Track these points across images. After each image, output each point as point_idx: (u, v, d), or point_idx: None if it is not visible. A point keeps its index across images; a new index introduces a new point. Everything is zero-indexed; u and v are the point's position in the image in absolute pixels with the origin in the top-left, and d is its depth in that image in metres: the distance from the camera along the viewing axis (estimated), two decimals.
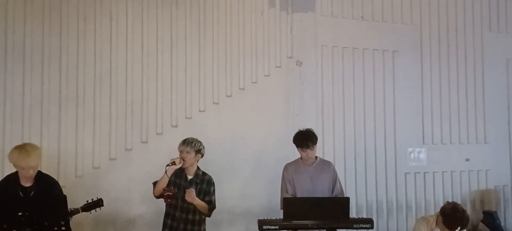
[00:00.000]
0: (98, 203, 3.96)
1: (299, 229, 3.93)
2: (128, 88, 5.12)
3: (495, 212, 6.23)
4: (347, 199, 4.10)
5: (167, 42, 5.28)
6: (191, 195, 3.93)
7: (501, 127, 6.53)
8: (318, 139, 4.49)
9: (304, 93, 5.74)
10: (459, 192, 6.25)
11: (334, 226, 3.97)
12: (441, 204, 4.37)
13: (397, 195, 6.07)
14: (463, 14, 6.46)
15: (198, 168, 4.17)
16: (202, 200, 4.04)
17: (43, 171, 3.92)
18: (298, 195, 4.35)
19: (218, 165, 4.66)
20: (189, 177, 4.12)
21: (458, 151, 6.34)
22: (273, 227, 3.87)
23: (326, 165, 4.51)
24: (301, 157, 4.45)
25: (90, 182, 4.90)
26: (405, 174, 6.13)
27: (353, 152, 5.90)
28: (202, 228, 4.17)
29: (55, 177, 4.11)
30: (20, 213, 3.36)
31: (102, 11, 5.07)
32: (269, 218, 4.01)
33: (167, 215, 4.14)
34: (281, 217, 3.93)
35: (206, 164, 4.25)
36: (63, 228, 3.45)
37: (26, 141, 4.68)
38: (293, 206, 3.99)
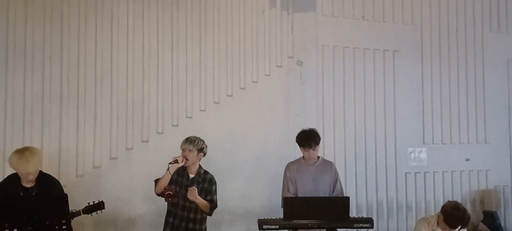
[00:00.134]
0: (99, 206, 3.96)
1: (300, 228, 3.94)
2: (129, 88, 5.13)
3: (495, 212, 6.24)
4: (347, 198, 4.10)
5: (168, 42, 5.28)
6: (193, 194, 3.94)
7: (501, 127, 6.54)
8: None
9: (304, 93, 5.75)
10: (459, 192, 6.26)
11: (334, 226, 3.98)
12: (442, 204, 4.37)
13: (397, 195, 6.07)
14: (464, 14, 6.47)
15: (200, 166, 4.18)
16: (204, 199, 4.05)
17: (44, 171, 3.92)
18: (300, 195, 4.36)
19: (218, 165, 4.66)
20: (191, 176, 4.12)
21: (458, 151, 6.35)
22: (273, 227, 3.87)
23: (328, 165, 4.52)
24: (303, 156, 4.46)
25: (91, 181, 4.91)
26: (406, 173, 6.13)
27: (353, 152, 5.91)
28: (204, 227, 4.18)
29: (56, 176, 4.13)
30: (21, 212, 3.37)
31: (103, 11, 5.08)
32: (269, 218, 4.01)
33: (169, 213, 4.15)
34: (282, 216, 3.94)
35: (207, 164, 4.26)
36: (64, 227, 3.46)
37: (27, 140, 4.73)
38: (293, 205, 4.00)
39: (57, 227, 3.43)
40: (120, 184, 5.00)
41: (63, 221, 3.45)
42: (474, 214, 6.17)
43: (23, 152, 3.68)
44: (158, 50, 5.25)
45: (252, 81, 5.57)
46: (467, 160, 6.37)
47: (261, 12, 5.66)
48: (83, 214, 3.86)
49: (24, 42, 4.82)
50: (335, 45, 5.91)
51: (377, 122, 6.02)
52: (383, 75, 6.08)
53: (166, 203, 4.10)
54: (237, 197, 5.33)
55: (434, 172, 6.24)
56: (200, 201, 4.00)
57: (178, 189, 4.03)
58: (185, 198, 3.98)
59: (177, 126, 5.25)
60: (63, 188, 3.98)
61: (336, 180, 4.48)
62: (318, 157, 4.48)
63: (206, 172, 4.18)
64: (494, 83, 6.51)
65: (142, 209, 5.04)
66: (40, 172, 3.80)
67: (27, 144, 4.65)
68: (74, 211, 3.76)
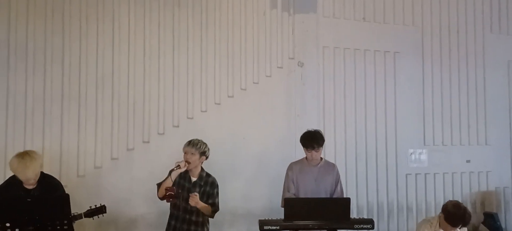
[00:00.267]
0: (101, 210, 3.96)
1: (300, 229, 3.93)
2: (130, 89, 5.14)
3: (496, 213, 6.24)
4: (348, 199, 4.10)
5: (169, 43, 5.29)
6: (195, 200, 3.92)
7: (502, 128, 6.54)
8: None
9: (305, 94, 5.75)
10: (460, 194, 6.26)
11: (335, 227, 3.97)
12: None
13: (398, 196, 6.07)
14: (465, 15, 6.47)
15: (202, 169, 4.16)
16: (206, 202, 4.04)
17: (46, 171, 3.93)
18: (301, 195, 4.36)
19: (219, 166, 4.66)
20: (193, 179, 4.11)
21: (459, 152, 6.35)
22: (274, 228, 3.88)
23: (330, 167, 4.52)
24: (306, 157, 4.46)
25: (92, 181, 4.92)
26: (406, 175, 6.14)
27: (354, 153, 5.91)
28: (206, 229, 4.17)
29: (57, 176, 4.13)
30: (23, 213, 3.38)
31: (104, 11, 5.09)
32: (270, 219, 4.01)
33: (171, 216, 4.14)
34: (282, 217, 3.94)
35: (208, 164, 4.25)
36: (65, 228, 3.46)
37: (28, 140, 4.74)
38: (294, 206, 4.00)
39: (58, 227, 3.43)
40: (121, 184, 5.01)
41: (65, 221, 3.45)
42: (475, 216, 6.15)
43: (23, 157, 3.67)
44: (159, 51, 5.25)
45: (253, 82, 5.57)
46: (468, 161, 6.37)
47: (262, 13, 5.67)
48: (85, 217, 3.86)
49: (25, 42, 4.83)
50: (336, 46, 5.92)
51: (377, 123, 6.03)
52: (383, 76, 6.09)
53: (168, 203, 4.09)
54: (238, 198, 5.33)
55: (434, 173, 6.24)
56: (202, 206, 3.99)
57: (180, 191, 4.02)
58: (187, 201, 3.96)
59: (178, 126, 5.26)
60: (64, 188, 3.98)
61: (337, 182, 4.48)
62: (321, 158, 4.48)
63: (208, 175, 4.17)
64: (494, 85, 6.52)
65: (143, 209, 5.04)
66: (42, 173, 3.80)
67: (28, 144, 4.70)
68: (76, 214, 3.76)
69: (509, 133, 6.58)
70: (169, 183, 3.93)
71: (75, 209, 3.76)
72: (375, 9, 6.11)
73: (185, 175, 4.09)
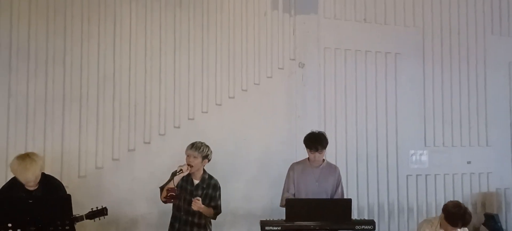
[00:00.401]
0: (102, 212, 3.96)
1: (302, 230, 3.94)
2: (131, 90, 5.15)
3: (497, 214, 6.24)
4: (349, 200, 4.10)
5: (170, 44, 5.30)
6: (197, 204, 3.91)
7: (503, 129, 6.55)
8: None
9: (306, 95, 5.76)
10: (461, 195, 6.26)
11: (336, 228, 3.98)
12: None
13: (398, 197, 6.08)
14: (466, 16, 6.48)
15: (204, 171, 4.15)
16: (208, 205, 4.04)
17: (47, 172, 3.94)
18: (303, 196, 4.36)
19: (220, 166, 4.67)
20: (196, 182, 4.10)
21: (460, 153, 6.36)
22: (276, 228, 3.88)
23: (332, 168, 4.52)
24: (308, 157, 4.46)
25: (93, 182, 4.93)
26: (407, 176, 6.14)
27: (355, 154, 5.92)
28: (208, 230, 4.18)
29: (58, 177, 4.14)
30: (25, 213, 3.39)
31: (106, 13, 5.10)
32: (271, 219, 4.02)
33: (173, 217, 4.14)
34: (283, 217, 3.95)
35: (209, 165, 4.25)
36: (67, 228, 3.47)
37: (30, 141, 4.75)
38: (295, 207, 4.01)
39: (60, 228, 3.44)
40: (122, 185, 5.01)
41: (67, 222, 3.45)
42: (475, 217, 6.15)
43: (24, 159, 3.67)
44: (160, 52, 5.26)
45: (254, 83, 5.58)
46: (469, 162, 6.37)
47: (263, 14, 5.67)
48: (86, 219, 3.87)
49: (27, 44, 4.84)
50: (337, 48, 5.93)
51: (378, 124, 6.03)
52: (384, 77, 6.09)
53: (170, 204, 4.10)
54: (239, 199, 5.34)
55: (435, 175, 6.24)
56: (204, 210, 3.98)
57: (181, 192, 4.02)
58: (190, 203, 3.96)
59: (179, 127, 5.26)
60: (66, 188, 3.98)
61: (338, 184, 4.48)
62: (323, 159, 4.48)
63: (210, 177, 4.16)
64: (495, 86, 6.52)
65: (144, 210, 5.05)
66: (43, 174, 3.81)
67: (30, 145, 4.71)
68: (77, 216, 3.77)
69: (509, 134, 6.58)
70: (171, 186, 3.90)
71: (76, 210, 3.77)
72: (376, 10, 6.11)
73: (187, 178, 4.08)
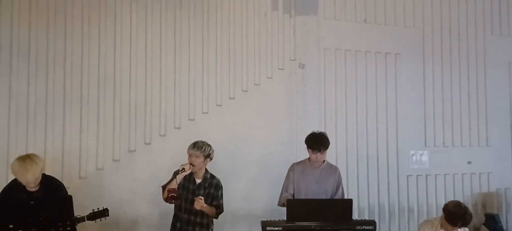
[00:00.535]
0: (104, 213, 3.95)
1: (302, 230, 3.94)
2: (132, 90, 5.15)
3: (497, 215, 6.24)
4: (350, 201, 4.11)
5: (171, 44, 5.30)
6: (200, 204, 3.92)
7: (503, 129, 6.55)
8: None
9: (306, 95, 5.76)
10: (461, 195, 6.26)
11: (337, 228, 3.97)
12: None
13: (399, 198, 6.08)
14: (466, 17, 6.48)
15: (206, 170, 4.16)
16: (210, 204, 4.05)
17: (48, 173, 3.94)
18: (303, 197, 4.36)
19: (221, 167, 4.66)
20: (198, 181, 4.11)
21: (460, 153, 6.36)
22: (277, 228, 3.88)
23: (332, 169, 4.52)
24: (309, 158, 4.46)
25: (94, 183, 4.93)
26: (407, 176, 6.14)
27: (355, 154, 5.92)
28: (210, 230, 4.18)
29: (59, 178, 4.13)
30: (26, 214, 3.39)
31: (106, 13, 5.10)
32: (272, 220, 4.02)
33: (175, 217, 4.14)
34: (284, 218, 3.95)
35: (209, 166, 4.25)
36: (68, 229, 3.47)
37: (30, 141, 4.75)
38: (296, 207, 4.01)
39: (61, 229, 3.44)
40: (122, 185, 5.01)
41: (68, 223, 3.45)
42: (476, 217, 6.15)
43: (24, 160, 3.67)
44: (161, 52, 5.27)
45: (254, 84, 5.58)
46: (469, 162, 6.37)
47: (264, 14, 5.68)
48: (87, 220, 3.87)
49: (28, 44, 4.84)
50: (337, 48, 5.93)
51: (379, 124, 6.03)
52: (385, 78, 6.10)
53: (171, 205, 4.09)
54: (240, 199, 5.34)
55: (436, 175, 6.25)
56: (206, 209, 3.99)
57: (184, 192, 4.02)
58: (192, 203, 3.96)
59: (179, 128, 5.26)
60: (66, 189, 3.99)
61: (338, 185, 4.49)
62: (324, 160, 4.48)
63: (212, 176, 4.16)
64: (495, 86, 6.52)
65: (144, 210, 5.05)
66: (44, 175, 3.81)
67: (30, 145, 4.72)
68: (78, 217, 3.77)
69: (510, 134, 6.58)
70: (173, 186, 3.91)
71: (77, 211, 3.76)
72: (376, 10, 6.12)
73: (189, 177, 4.09)
